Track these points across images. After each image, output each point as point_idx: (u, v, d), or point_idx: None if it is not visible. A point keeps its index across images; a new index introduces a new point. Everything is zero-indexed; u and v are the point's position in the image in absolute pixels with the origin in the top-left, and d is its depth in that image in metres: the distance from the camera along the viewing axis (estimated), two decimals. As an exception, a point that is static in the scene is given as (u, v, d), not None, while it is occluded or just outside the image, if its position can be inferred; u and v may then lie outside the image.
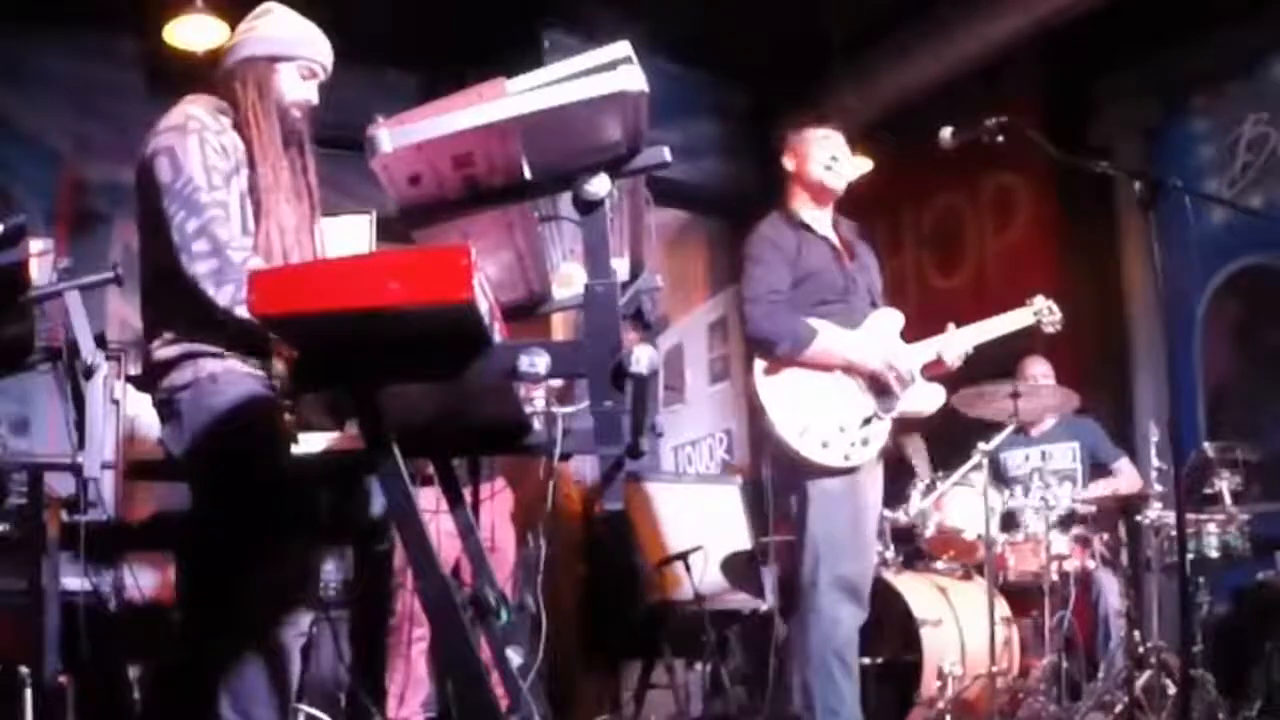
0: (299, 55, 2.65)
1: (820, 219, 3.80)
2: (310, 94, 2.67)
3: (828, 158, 3.76)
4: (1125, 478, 5.16)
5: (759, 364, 3.62)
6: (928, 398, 3.78)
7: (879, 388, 3.65)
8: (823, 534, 3.50)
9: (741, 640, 5.66)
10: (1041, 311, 4.18)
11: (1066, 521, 4.81)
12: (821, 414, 3.56)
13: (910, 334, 3.82)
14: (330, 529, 4.20)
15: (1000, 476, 5.16)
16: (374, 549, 4.46)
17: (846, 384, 3.63)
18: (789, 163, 3.81)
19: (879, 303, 3.87)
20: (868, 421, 3.60)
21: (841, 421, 3.57)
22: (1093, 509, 4.80)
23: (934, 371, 3.82)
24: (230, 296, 2.36)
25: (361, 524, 4.35)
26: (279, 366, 2.48)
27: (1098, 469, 5.24)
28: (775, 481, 3.75)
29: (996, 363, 4.57)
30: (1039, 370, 5.28)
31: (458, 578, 3.70)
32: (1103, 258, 5.97)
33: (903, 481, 4.82)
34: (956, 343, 3.84)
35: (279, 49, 2.63)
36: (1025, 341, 4.40)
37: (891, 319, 3.78)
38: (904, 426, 4.14)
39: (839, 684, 3.41)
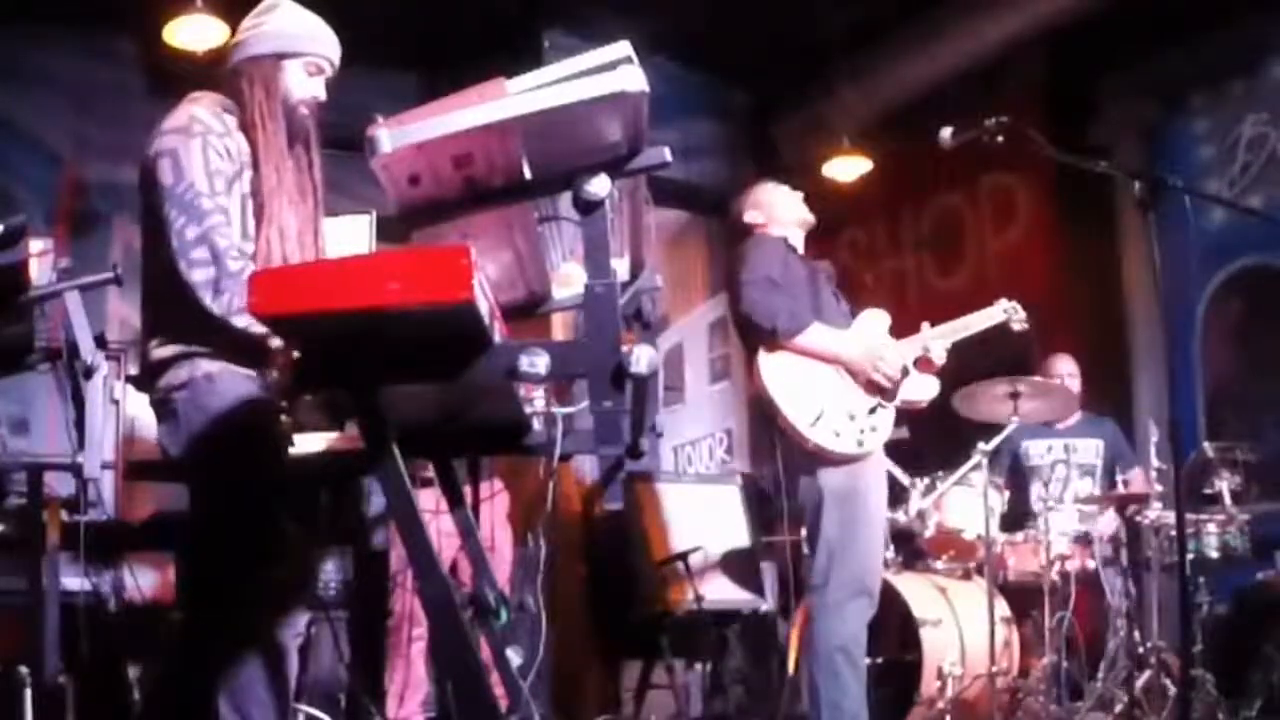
0: (306, 51, 2.61)
1: (799, 243, 3.88)
2: (317, 90, 2.64)
3: (794, 202, 3.89)
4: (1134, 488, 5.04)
5: (762, 357, 3.64)
6: (923, 388, 3.81)
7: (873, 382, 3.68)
8: (836, 533, 3.53)
9: (741, 640, 5.66)
10: (1010, 310, 4.21)
11: (1084, 509, 4.78)
12: (830, 403, 3.59)
13: (908, 335, 3.83)
14: (330, 529, 4.23)
15: (1017, 467, 5.15)
16: (373, 549, 4.49)
17: (845, 375, 3.66)
18: (757, 216, 3.87)
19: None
20: (874, 410, 3.63)
21: (850, 409, 3.61)
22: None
23: (924, 369, 3.84)
24: (225, 306, 2.35)
25: (360, 524, 4.37)
26: (274, 373, 2.47)
27: (1110, 476, 5.16)
28: (786, 476, 3.75)
29: (996, 361, 4.59)
30: (1065, 369, 5.25)
31: (456, 578, 3.71)
32: (1103, 258, 5.96)
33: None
34: (936, 340, 3.86)
35: (286, 45, 2.59)
36: (1033, 336, 4.41)
37: (879, 318, 3.83)
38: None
39: (844, 679, 3.44)
